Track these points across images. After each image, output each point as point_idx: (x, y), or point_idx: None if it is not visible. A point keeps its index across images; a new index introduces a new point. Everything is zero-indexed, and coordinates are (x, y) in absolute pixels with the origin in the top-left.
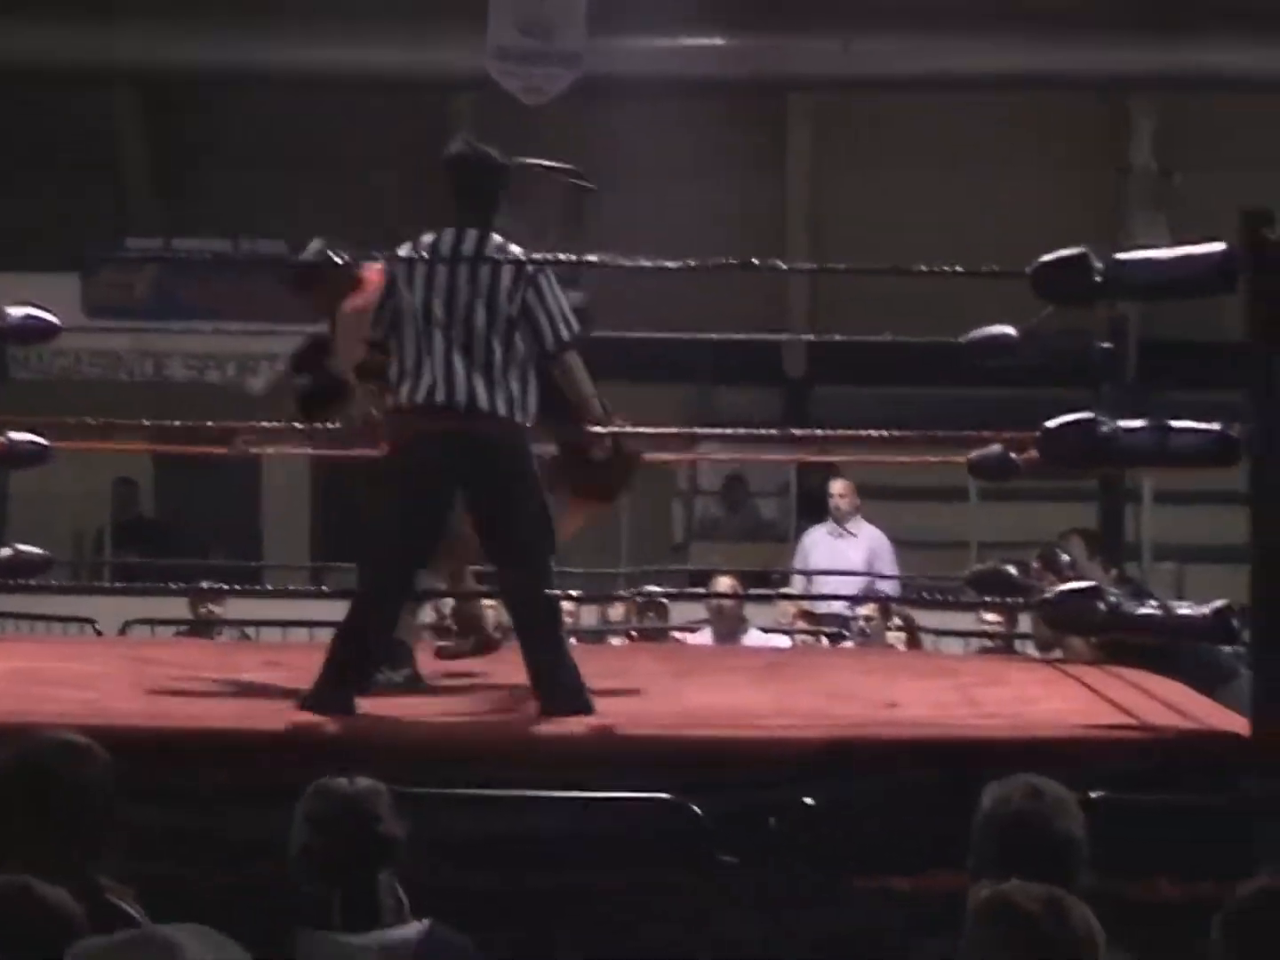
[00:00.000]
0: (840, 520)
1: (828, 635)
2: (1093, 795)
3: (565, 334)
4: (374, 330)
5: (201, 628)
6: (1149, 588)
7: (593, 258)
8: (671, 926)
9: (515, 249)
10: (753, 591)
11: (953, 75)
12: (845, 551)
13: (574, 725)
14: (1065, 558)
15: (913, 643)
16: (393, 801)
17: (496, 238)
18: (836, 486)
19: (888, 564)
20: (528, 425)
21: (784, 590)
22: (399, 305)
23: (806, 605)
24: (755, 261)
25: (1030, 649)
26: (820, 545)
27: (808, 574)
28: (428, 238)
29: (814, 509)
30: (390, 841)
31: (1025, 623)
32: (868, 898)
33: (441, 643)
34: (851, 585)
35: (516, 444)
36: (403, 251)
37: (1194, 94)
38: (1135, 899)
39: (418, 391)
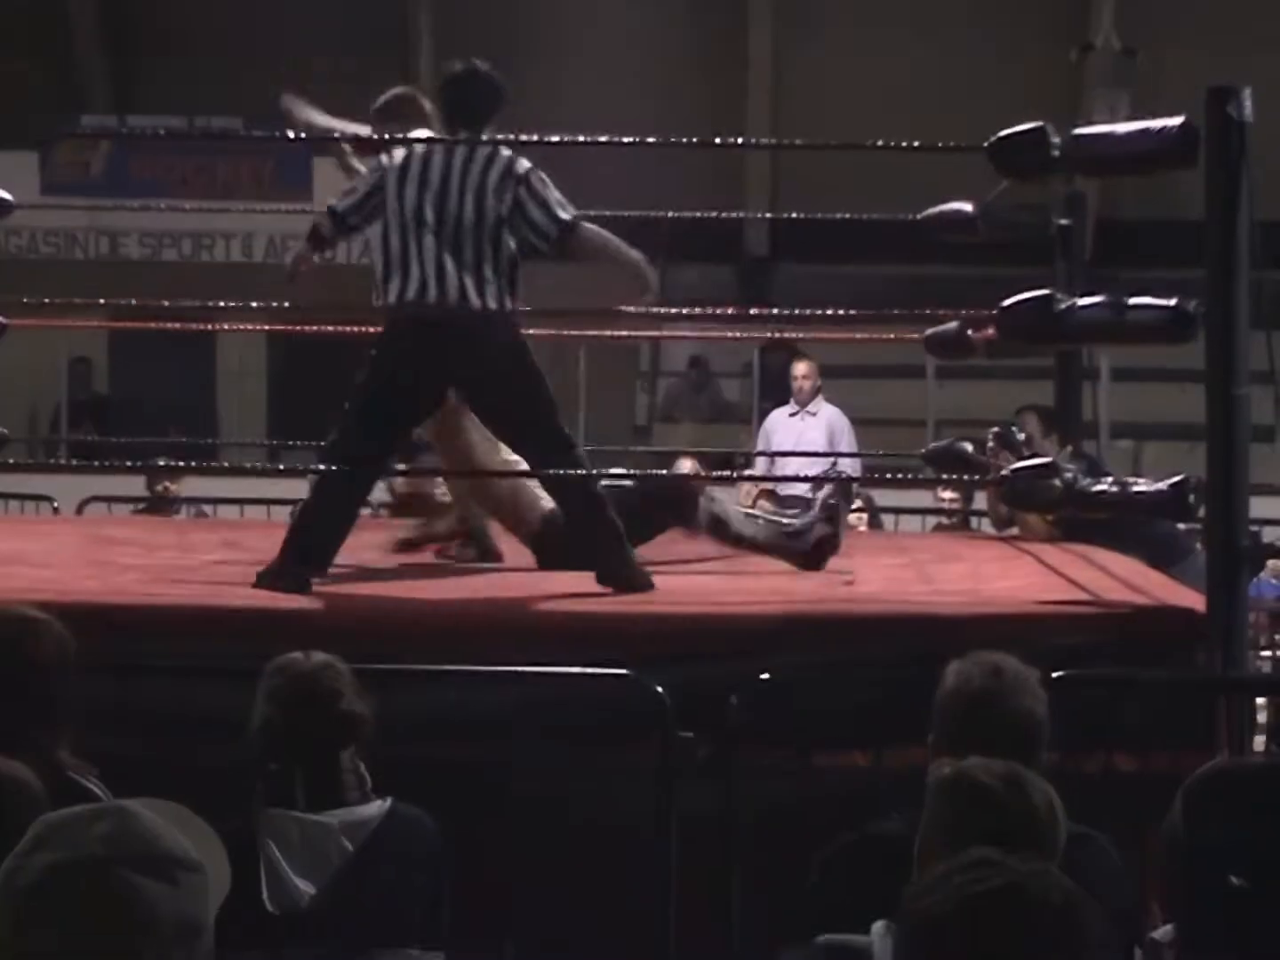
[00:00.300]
0: (802, 401)
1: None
2: (1055, 675)
3: (565, 214)
4: (343, 205)
5: (159, 505)
6: (1106, 465)
7: (555, 137)
8: (631, 802)
9: (505, 152)
10: (715, 474)
11: None
12: (806, 432)
13: (537, 602)
14: (1021, 435)
15: (873, 523)
16: (354, 679)
17: (485, 147)
18: (800, 368)
19: (847, 444)
20: (518, 322)
21: (746, 472)
22: (384, 202)
23: (768, 486)
24: (717, 141)
25: (987, 526)
26: (781, 427)
27: (770, 455)
28: (420, 149)
29: (776, 390)
30: (351, 719)
31: (981, 500)
32: (828, 773)
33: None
34: (813, 466)
35: (511, 338)
36: (398, 155)
37: None
38: (1092, 773)
39: (407, 289)
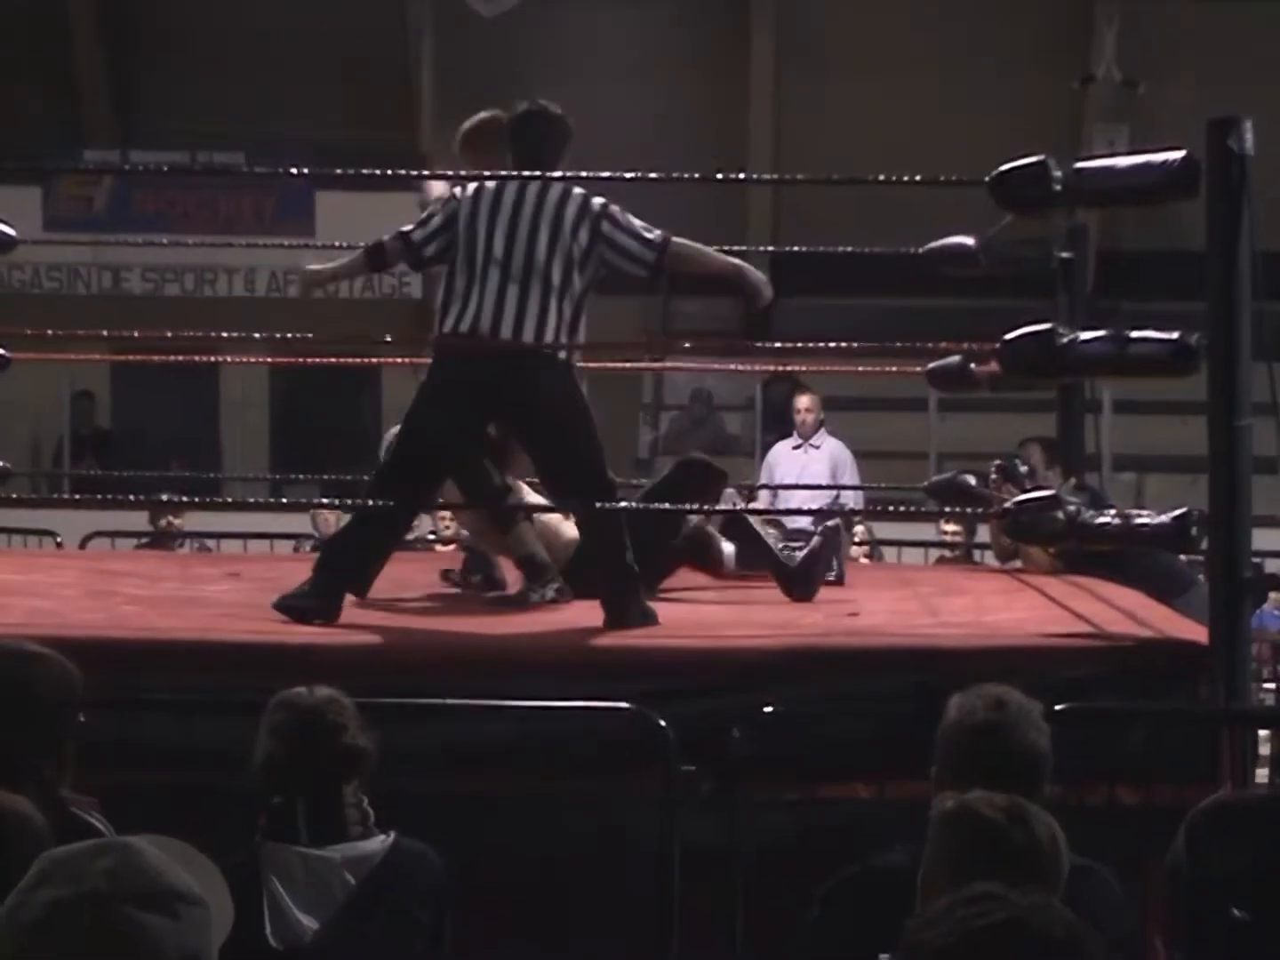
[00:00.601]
0: (805, 434)
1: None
2: (1058, 708)
3: (654, 236)
4: (418, 234)
5: (162, 539)
6: (1109, 497)
7: (556, 173)
8: (634, 834)
9: (578, 189)
10: (719, 507)
11: None
12: (809, 465)
13: (540, 635)
14: (1024, 468)
15: (872, 556)
16: (357, 713)
17: (559, 184)
18: (803, 401)
19: (850, 477)
20: (574, 360)
21: (750, 505)
22: (455, 237)
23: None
24: (719, 176)
25: (990, 559)
26: (784, 460)
27: (773, 488)
28: (492, 184)
29: (779, 423)
30: (354, 753)
31: (984, 533)
32: (831, 806)
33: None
34: (816, 499)
35: (564, 373)
36: (470, 188)
37: (1159, 2)
38: (1095, 805)
39: (463, 320)
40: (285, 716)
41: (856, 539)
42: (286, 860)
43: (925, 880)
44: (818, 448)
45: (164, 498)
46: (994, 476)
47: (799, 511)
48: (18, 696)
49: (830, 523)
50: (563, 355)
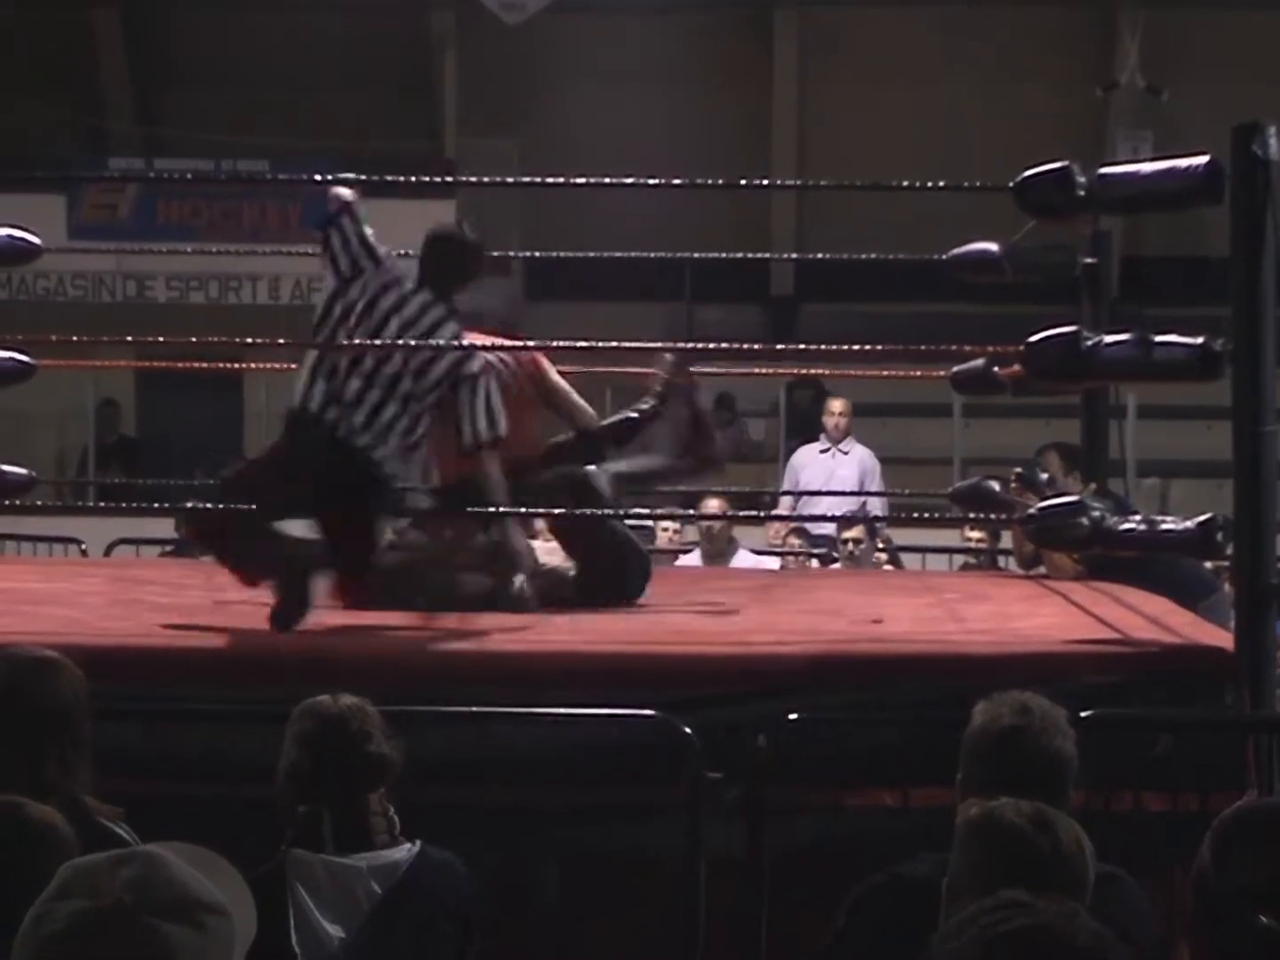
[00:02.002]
0: (835, 439)
1: (817, 556)
2: (1083, 714)
3: (485, 432)
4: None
5: (187, 548)
6: (1133, 503)
7: (579, 179)
8: (659, 842)
9: (453, 328)
10: (742, 513)
11: None
12: (837, 470)
13: (565, 643)
14: (1044, 475)
15: (893, 564)
16: (382, 721)
17: (443, 315)
18: (835, 405)
19: (877, 484)
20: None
21: (774, 511)
22: (338, 289)
23: (798, 524)
24: (742, 182)
25: (1014, 565)
26: (811, 464)
27: (796, 494)
28: (401, 264)
29: (803, 429)
30: (379, 761)
31: (1008, 539)
32: (856, 813)
33: None
34: (842, 505)
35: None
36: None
37: (1182, 8)
38: (1120, 812)
39: (310, 397)
40: (310, 725)
41: (881, 545)
42: (312, 869)
43: (951, 889)
44: (847, 454)
45: (189, 505)
46: (1013, 485)
47: (825, 517)
48: (40, 705)
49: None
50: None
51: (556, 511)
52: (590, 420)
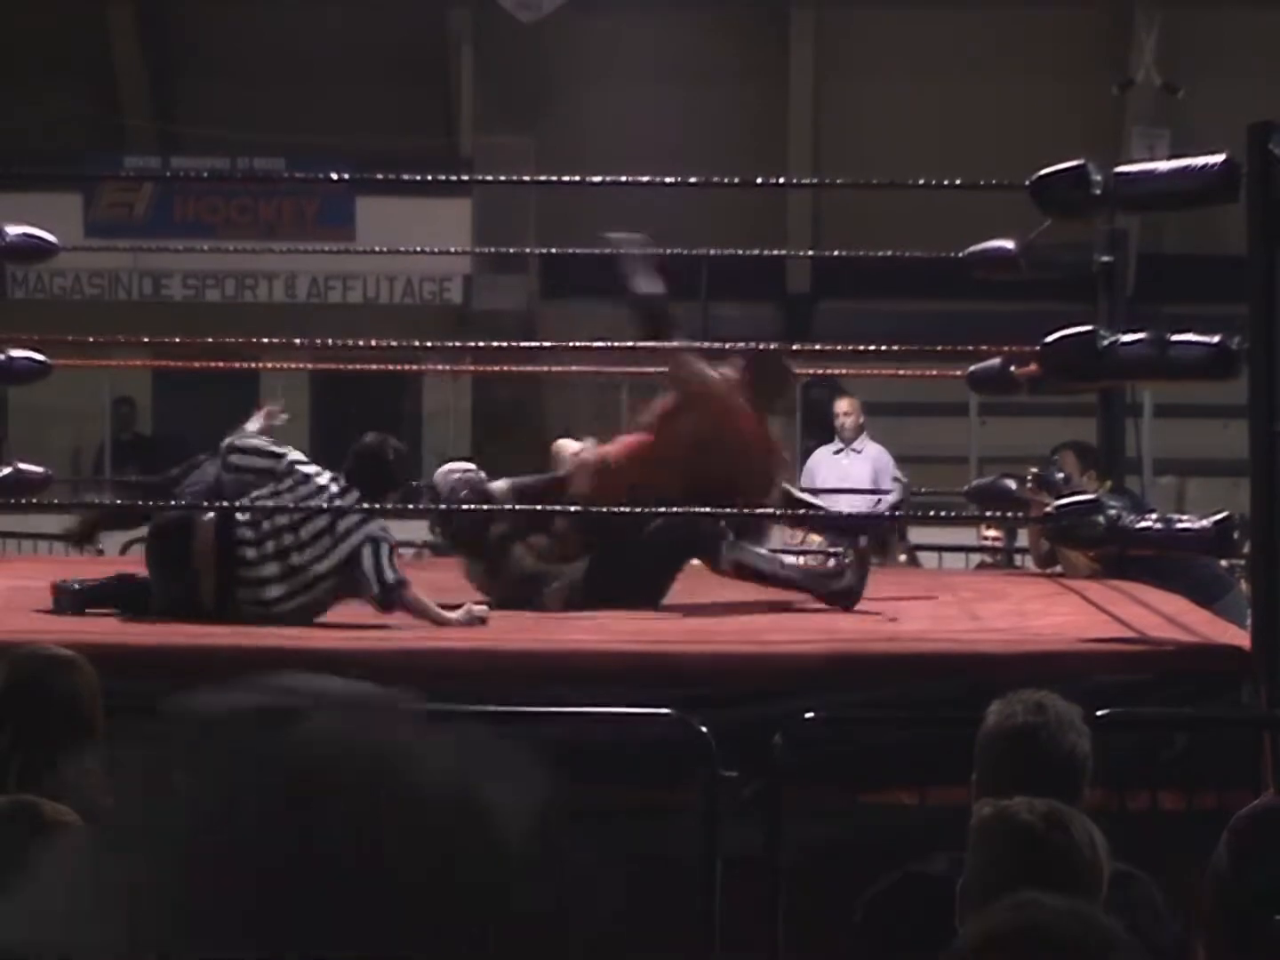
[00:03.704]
0: (846, 439)
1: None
2: (1099, 713)
3: (390, 577)
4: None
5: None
6: (1150, 501)
7: (596, 178)
8: (675, 841)
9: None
10: (758, 511)
11: None
12: (850, 469)
13: (581, 641)
14: (1060, 474)
15: (910, 563)
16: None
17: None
18: (842, 405)
19: (891, 480)
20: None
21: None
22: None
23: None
24: (758, 180)
25: (1030, 563)
26: (824, 465)
27: (813, 493)
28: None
29: (818, 428)
30: None
31: (1024, 537)
32: (873, 812)
33: None
34: (857, 504)
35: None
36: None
37: (1198, 6)
38: (1137, 811)
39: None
40: None
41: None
42: None
43: (965, 888)
44: (859, 453)
45: (204, 503)
46: (1029, 485)
47: (840, 515)
48: (55, 703)
49: (863, 541)
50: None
51: (571, 509)
52: None
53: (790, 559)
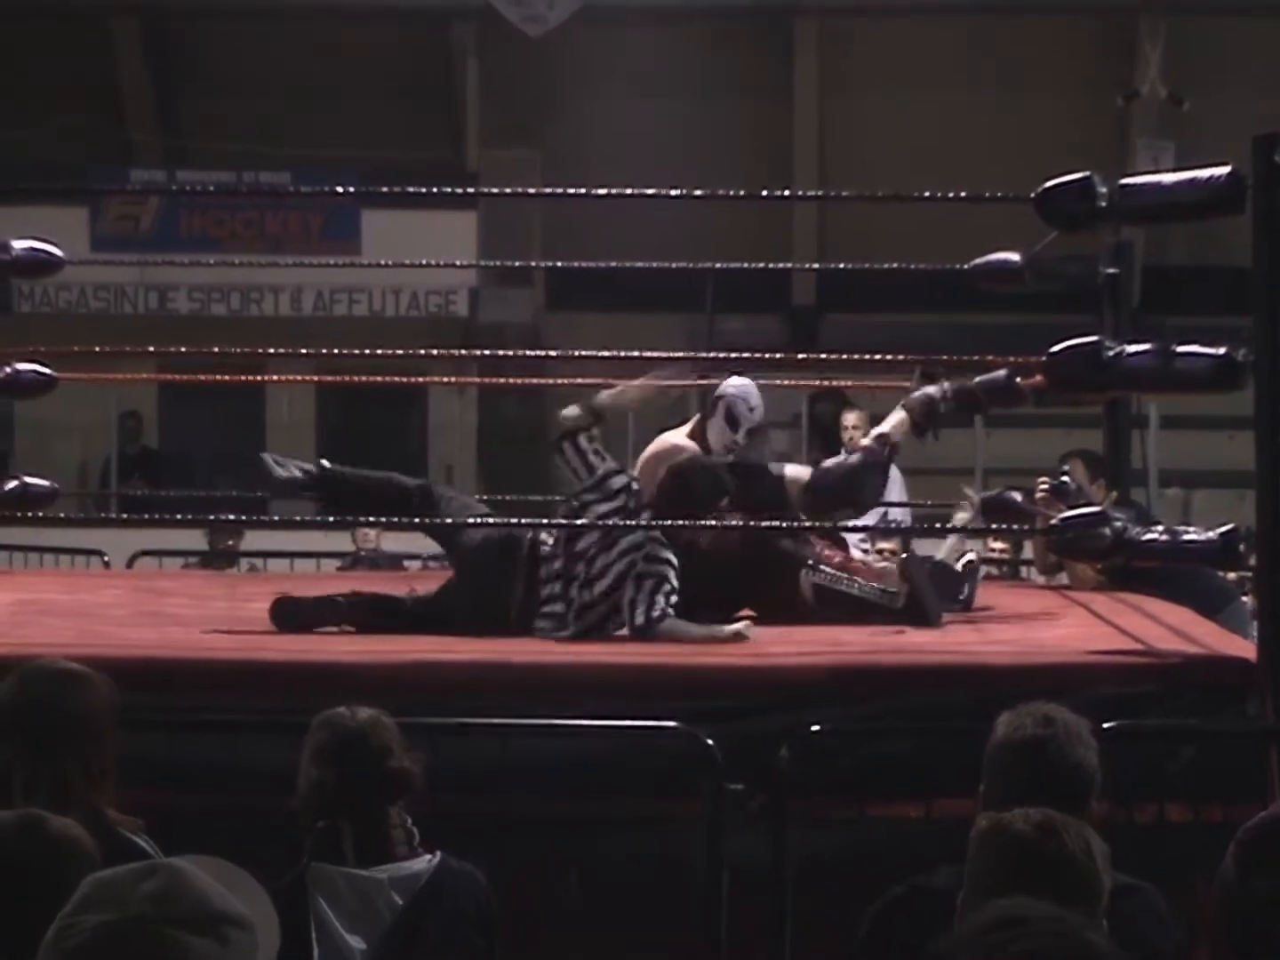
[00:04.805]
0: (853, 452)
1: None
2: (1106, 726)
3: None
4: None
5: (212, 560)
6: (1155, 513)
7: (601, 190)
8: (682, 853)
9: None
10: (765, 524)
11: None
12: None
13: (585, 654)
14: (1071, 485)
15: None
16: (400, 734)
17: None
18: (850, 418)
19: (899, 494)
20: None
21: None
22: None
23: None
24: (764, 192)
25: (1036, 575)
26: None
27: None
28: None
29: (825, 440)
30: (399, 775)
31: (1030, 549)
32: (879, 825)
33: None
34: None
35: None
36: None
37: (1203, 18)
38: (1144, 823)
39: None
40: (328, 739)
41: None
42: (333, 881)
43: (965, 899)
44: None
45: (213, 517)
46: (1041, 493)
47: (849, 527)
48: (64, 718)
49: (904, 555)
50: None
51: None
52: None
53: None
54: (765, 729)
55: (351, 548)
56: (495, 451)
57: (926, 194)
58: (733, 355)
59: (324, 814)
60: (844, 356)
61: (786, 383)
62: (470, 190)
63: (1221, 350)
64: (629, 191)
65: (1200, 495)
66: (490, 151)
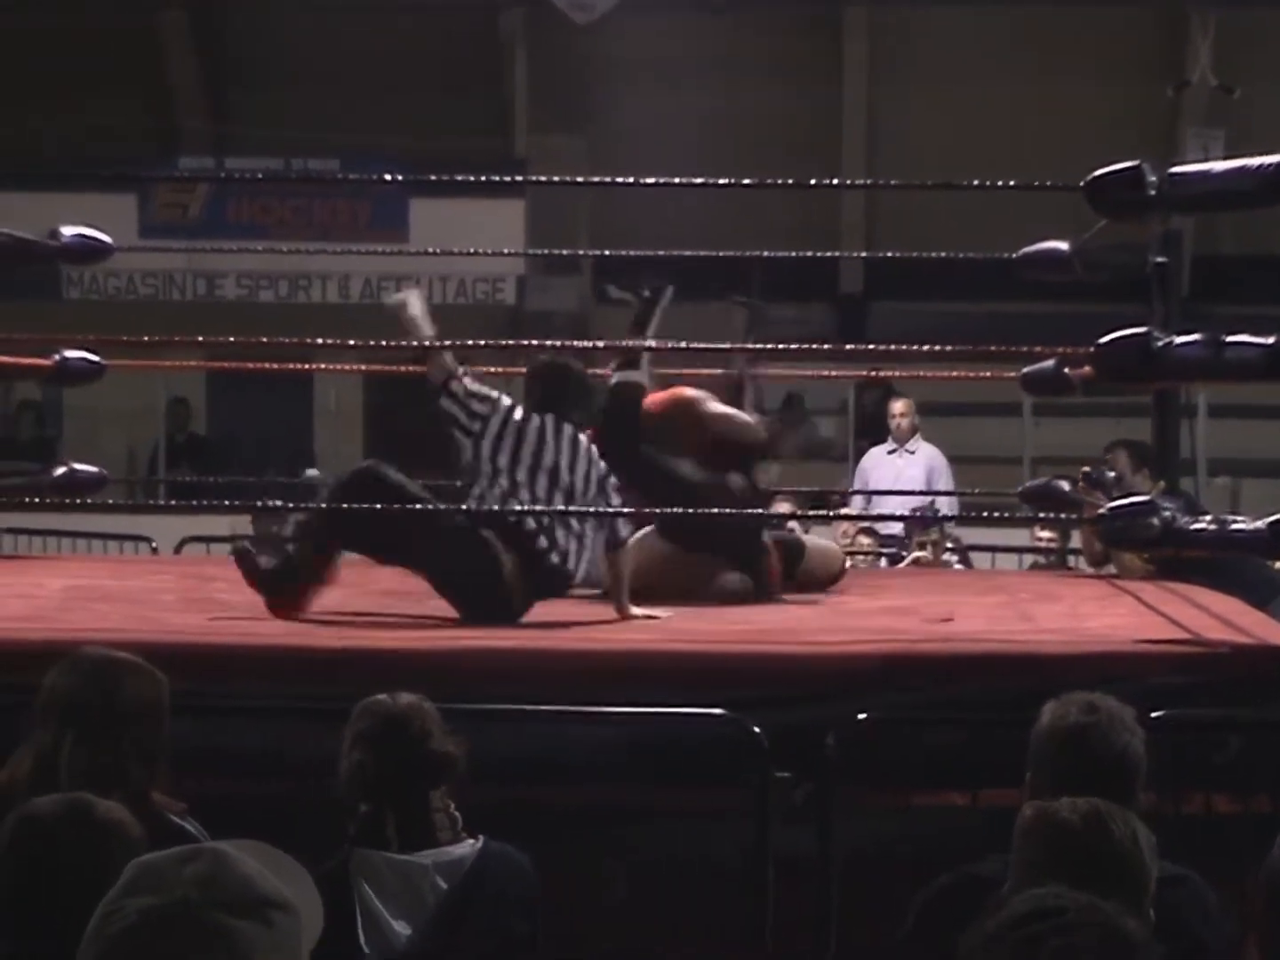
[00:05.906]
0: (900, 439)
1: (886, 555)
2: (1154, 715)
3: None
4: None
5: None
6: (1204, 502)
7: (649, 179)
8: (727, 842)
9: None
10: (811, 512)
11: None
12: (904, 470)
13: (630, 641)
14: (1111, 473)
15: (963, 564)
16: (440, 719)
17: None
18: (896, 406)
19: (945, 483)
20: None
21: (842, 511)
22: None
23: (866, 525)
24: (812, 181)
25: (1084, 564)
26: (879, 465)
27: (867, 494)
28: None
29: (872, 428)
30: (440, 759)
31: (1078, 538)
32: (926, 814)
33: None
34: (911, 505)
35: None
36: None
37: (1254, 7)
38: (1191, 814)
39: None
40: (371, 725)
41: (950, 545)
42: (377, 866)
43: (1010, 888)
44: (913, 453)
45: (259, 503)
46: (1080, 484)
47: (893, 517)
48: (109, 704)
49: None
50: None
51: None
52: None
53: None
54: (812, 717)
55: None
56: None
57: (974, 182)
58: (779, 346)
59: (366, 798)
60: (890, 347)
61: (834, 374)
62: (518, 179)
63: (1271, 340)
64: (677, 180)
65: (1249, 484)
66: (538, 139)
